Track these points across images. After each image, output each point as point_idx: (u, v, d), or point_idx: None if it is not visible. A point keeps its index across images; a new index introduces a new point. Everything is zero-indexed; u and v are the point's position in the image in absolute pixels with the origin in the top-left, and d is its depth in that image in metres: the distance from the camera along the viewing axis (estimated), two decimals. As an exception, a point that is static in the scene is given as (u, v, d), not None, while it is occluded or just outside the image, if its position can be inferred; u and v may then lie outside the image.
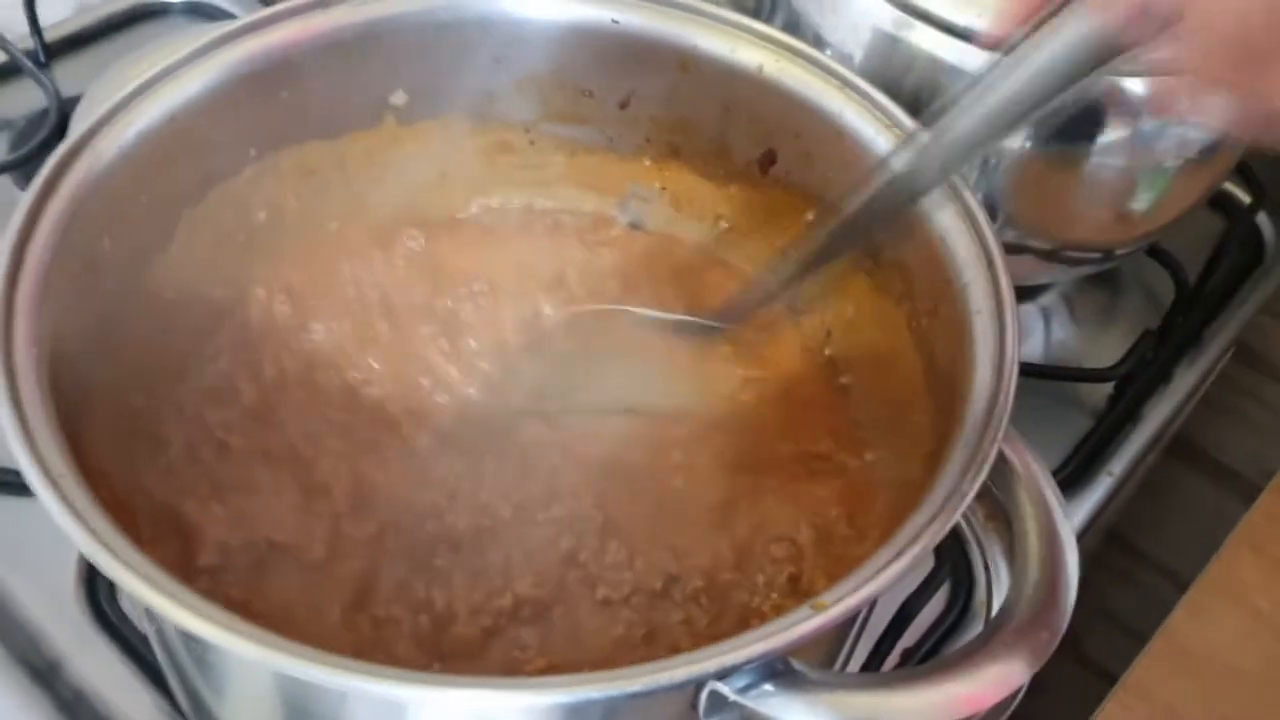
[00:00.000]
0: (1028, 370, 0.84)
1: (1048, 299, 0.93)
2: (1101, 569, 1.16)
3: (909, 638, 0.72)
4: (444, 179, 0.75)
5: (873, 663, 0.70)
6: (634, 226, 0.77)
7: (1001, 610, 0.48)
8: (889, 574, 0.45)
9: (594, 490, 0.64)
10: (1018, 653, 0.47)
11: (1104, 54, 0.51)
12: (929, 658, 0.71)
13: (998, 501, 0.51)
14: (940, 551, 0.74)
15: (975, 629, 0.72)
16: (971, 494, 0.48)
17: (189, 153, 0.63)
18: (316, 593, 0.59)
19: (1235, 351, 0.97)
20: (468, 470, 0.64)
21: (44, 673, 0.66)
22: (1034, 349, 0.91)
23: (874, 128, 0.65)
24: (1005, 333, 0.54)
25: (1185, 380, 0.90)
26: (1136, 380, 0.87)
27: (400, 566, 0.60)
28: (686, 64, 0.69)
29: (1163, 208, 0.80)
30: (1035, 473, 0.51)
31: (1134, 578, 1.18)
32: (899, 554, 0.46)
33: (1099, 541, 1.07)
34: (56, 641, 0.67)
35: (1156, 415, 0.88)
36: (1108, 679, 0.76)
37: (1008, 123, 0.56)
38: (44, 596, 0.69)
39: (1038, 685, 1.08)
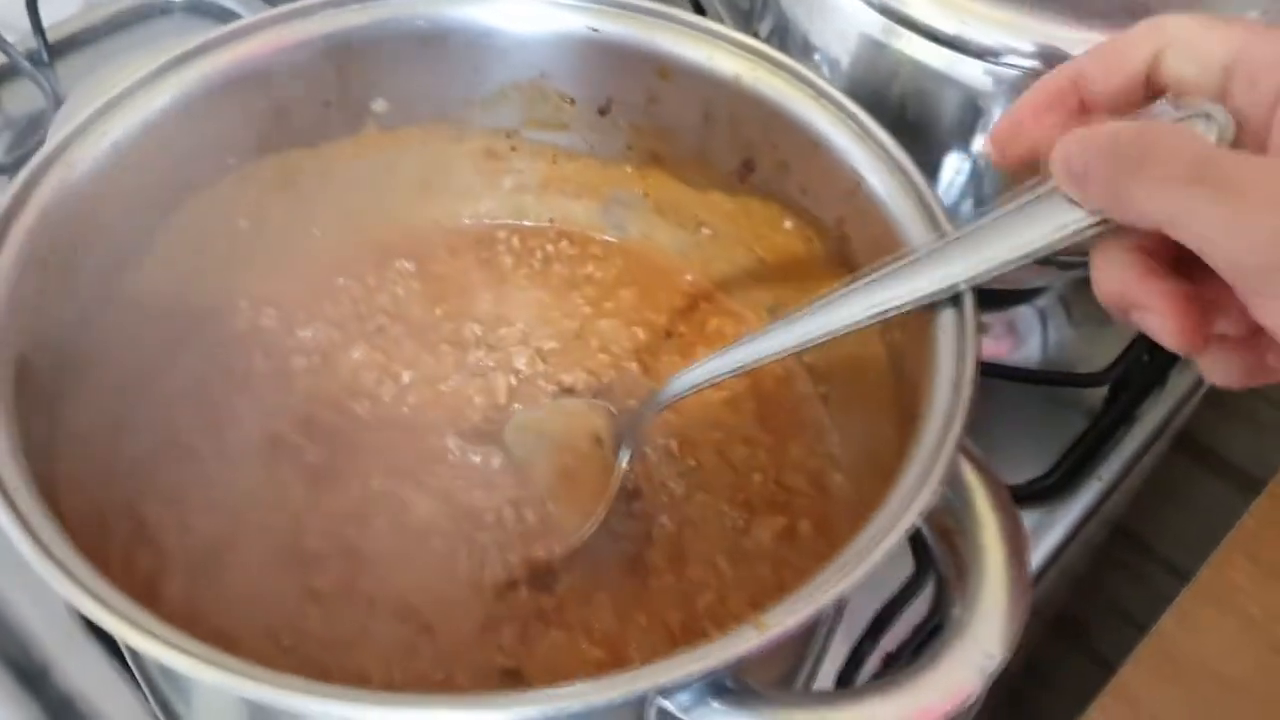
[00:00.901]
0: (1019, 375, 0.86)
1: (1044, 301, 0.92)
2: (1111, 565, 1.16)
3: (892, 642, 0.72)
4: (427, 186, 0.76)
5: (850, 668, 0.70)
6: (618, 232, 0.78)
7: (953, 624, 0.48)
8: (830, 595, 0.45)
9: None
10: (967, 667, 0.47)
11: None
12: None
13: (954, 515, 0.51)
14: (921, 556, 0.74)
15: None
16: (918, 514, 0.48)
17: (166, 163, 0.63)
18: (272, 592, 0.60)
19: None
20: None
21: (33, 677, 0.67)
22: (1031, 351, 0.91)
23: (846, 138, 0.64)
24: (965, 353, 0.54)
25: (1181, 382, 0.89)
26: (1129, 384, 0.86)
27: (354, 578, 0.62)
28: (665, 72, 0.70)
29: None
30: (994, 489, 0.51)
31: (1143, 574, 1.18)
32: (844, 575, 0.46)
33: (1107, 537, 1.06)
34: (46, 646, 0.69)
35: (1150, 419, 0.87)
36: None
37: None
38: (33, 601, 0.70)
39: (1046, 681, 1.08)
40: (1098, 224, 0.47)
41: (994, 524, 0.50)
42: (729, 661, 0.44)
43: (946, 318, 0.56)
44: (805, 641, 0.55)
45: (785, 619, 0.44)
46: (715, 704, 0.45)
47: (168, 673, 0.55)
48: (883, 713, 0.46)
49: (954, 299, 0.55)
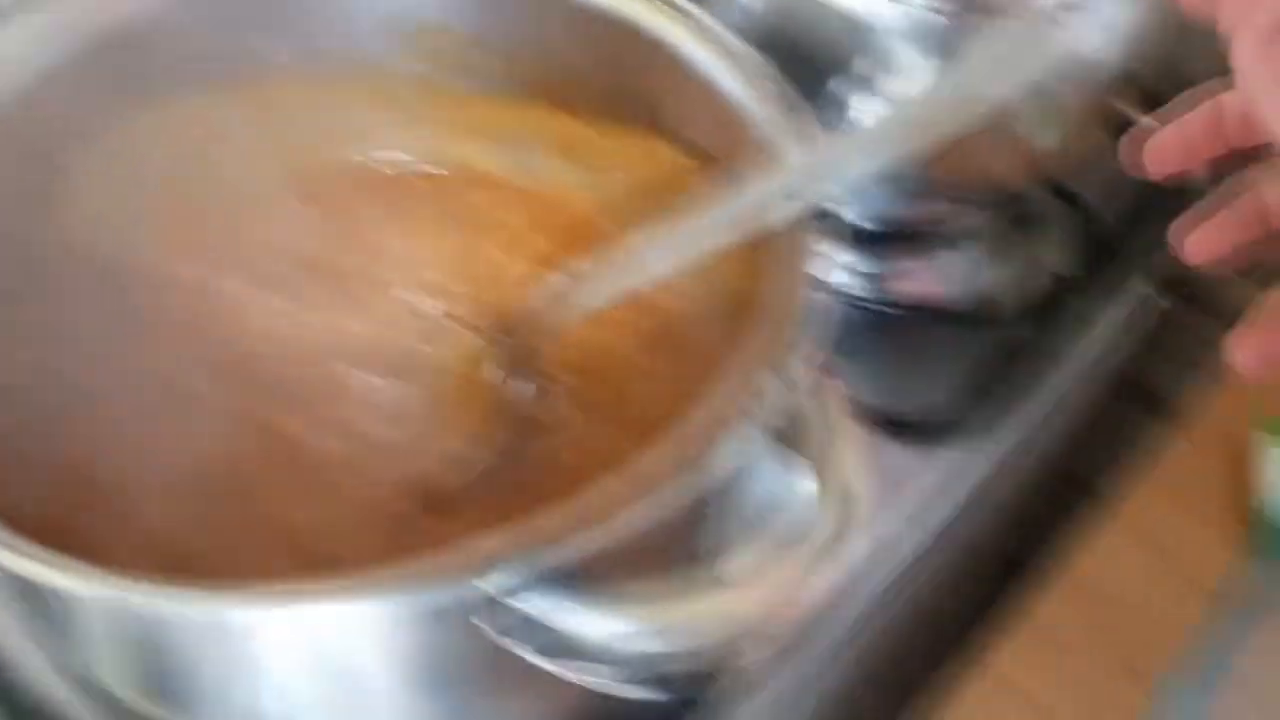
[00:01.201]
0: (942, 315, 0.87)
1: (973, 244, 0.93)
2: (1060, 512, 1.16)
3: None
4: (334, 133, 0.76)
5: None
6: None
7: (802, 522, 0.51)
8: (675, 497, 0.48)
9: None
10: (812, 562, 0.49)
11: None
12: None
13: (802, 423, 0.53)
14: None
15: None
16: (744, 416, 0.52)
17: (59, 117, 0.65)
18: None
19: (1187, 294, 0.96)
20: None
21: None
22: (960, 292, 0.92)
23: (729, 75, 0.66)
24: (806, 262, 0.57)
25: (1107, 323, 0.90)
26: (1054, 323, 0.88)
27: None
28: (569, 18, 0.71)
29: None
30: (833, 401, 0.53)
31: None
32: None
33: (1058, 486, 1.07)
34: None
35: (1076, 358, 0.88)
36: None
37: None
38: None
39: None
40: None
41: (833, 433, 0.52)
42: (559, 555, 0.46)
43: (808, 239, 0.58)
44: (667, 539, 0.57)
45: (626, 516, 0.47)
46: (568, 602, 0.47)
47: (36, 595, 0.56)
48: (742, 601, 0.49)
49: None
